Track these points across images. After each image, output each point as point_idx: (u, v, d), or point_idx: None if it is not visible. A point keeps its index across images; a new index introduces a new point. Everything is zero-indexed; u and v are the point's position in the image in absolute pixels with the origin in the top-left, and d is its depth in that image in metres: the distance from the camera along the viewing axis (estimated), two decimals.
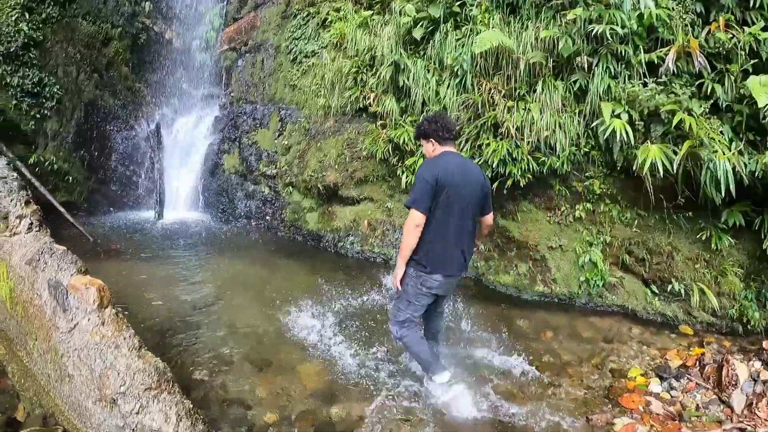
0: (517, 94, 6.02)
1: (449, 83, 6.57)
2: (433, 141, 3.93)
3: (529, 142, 5.80)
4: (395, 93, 7.19)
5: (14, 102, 7.95)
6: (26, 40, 7.99)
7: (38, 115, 8.29)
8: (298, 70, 8.55)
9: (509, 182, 5.88)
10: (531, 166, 5.76)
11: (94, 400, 3.28)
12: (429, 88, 6.78)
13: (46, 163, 8.37)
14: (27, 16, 7.99)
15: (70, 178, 8.77)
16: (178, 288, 6.10)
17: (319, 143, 8.07)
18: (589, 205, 5.73)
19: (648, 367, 4.40)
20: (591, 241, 5.66)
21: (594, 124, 5.49)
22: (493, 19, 6.21)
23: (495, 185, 5.99)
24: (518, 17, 6.18)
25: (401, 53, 6.96)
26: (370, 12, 7.56)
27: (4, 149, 7.71)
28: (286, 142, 8.55)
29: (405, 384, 4.09)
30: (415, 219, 3.60)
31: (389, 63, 7.01)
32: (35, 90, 8.18)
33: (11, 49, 7.84)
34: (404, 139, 6.84)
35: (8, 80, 7.84)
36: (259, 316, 5.26)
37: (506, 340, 4.88)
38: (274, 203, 8.73)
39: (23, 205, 5.59)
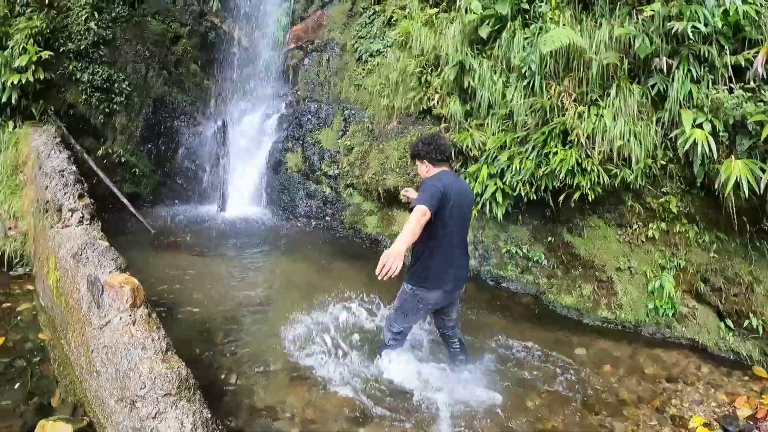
0: (588, 98, 5.87)
1: (516, 85, 6.51)
2: (427, 162, 4.18)
3: (600, 151, 5.64)
4: (460, 95, 7.22)
5: (84, 97, 8.64)
6: (96, 39, 8.67)
7: (107, 110, 8.97)
8: (363, 70, 8.73)
9: (577, 195, 5.74)
10: (602, 178, 5.59)
11: (116, 399, 3.53)
12: (495, 90, 6.74)
13: (114, 156, 9.07)
14: (97, 16, 8.66)
15: (137, 171, 9.44)
16: (230, 284, 6.45)
17: (382, 145, 8.22)
18: (663, 225, 5.50)
19: (713, 416, 4.19)
20: (663, 264, 5.43)
21: (673, 134, 5.25)
22: (563, 16, 6.08)
23: (561, 197, 5.90)
24: (591, 14, 6.01)
25: (467, 53, 6.97)
26: (436, 10, 7.60)
27: (72, 141, 8.41)
28: (348, 143, 8.77)
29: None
30: (421, 209, 3.67)
31: (454, 63, 7.03)
32: (105, 86, 8.86)
33: (81, 47, 8.53)
34: (468, 144, 6.85)
35: (79, 76, 8.54)
36: (306, 322, 5.41)
37: (559, 370, 4.81)
38: (335, 204, 8.97)
39: (76, 198, 6.14)
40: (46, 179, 6.50)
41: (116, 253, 4.98)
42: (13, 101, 7.69)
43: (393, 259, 3.37)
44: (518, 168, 6.24)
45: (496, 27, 6.74)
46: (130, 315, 4.12)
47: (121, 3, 9.04)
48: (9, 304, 5.90)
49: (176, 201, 10.06)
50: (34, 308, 5.74)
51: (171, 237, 8.21)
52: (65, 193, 6.15)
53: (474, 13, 6.78)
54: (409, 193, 4.77)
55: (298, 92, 9.88)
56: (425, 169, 4.22)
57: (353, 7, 9.09)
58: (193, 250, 7.68)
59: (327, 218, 9.04)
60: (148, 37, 9.55)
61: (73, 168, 6.79)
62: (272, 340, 5.08)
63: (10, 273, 6.58)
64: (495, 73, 6.77)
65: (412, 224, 3.63)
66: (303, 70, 9.77)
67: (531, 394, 4.40)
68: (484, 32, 6.78)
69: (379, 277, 3.38)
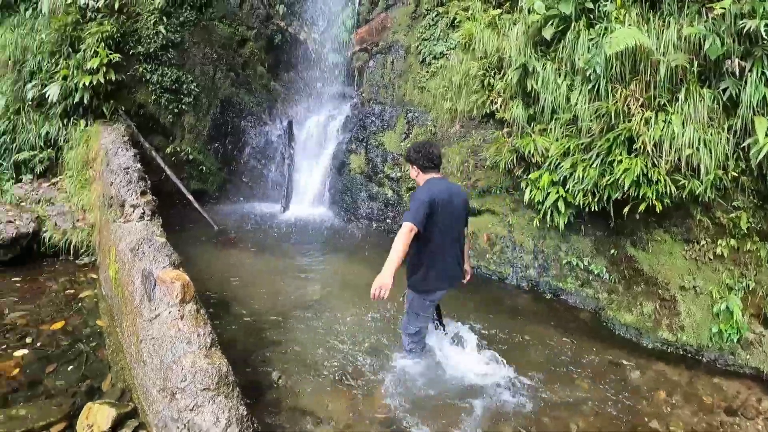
0: (656, 103, 5.75)
1: (581, 89, 6.45)
2: (417, 168, 4.63)
3: (667, 160, 5.53)
4: (523, 98, 7.22)
5: (154, 97, 9.39)
6: (165, 42, 9.38)
7: (176, 110, 9.70)
8: (426, 72, 8.88)
9: (642, 207, 5.65)
10: (669, 189, 5.47)
11: (158, 389, 3.86)
12: (559, 93, 6.70)
13: (182, 154, 9.81)
14: (165, 20, 9.36)
15: (204, 169, 10.15)
16: (286, 283, 6.82)
17: (444, 148, 8.33)
18: (733, 242, 5.32)
19: None
20: (731, 285, 5.24)
21: (745, 143, 5.07)
22: (629, 16, 5.97)
23: (626, 209, 5.81)
24: (658, 13, 5.87)
25: (530, 55, 6.97)
26: (499, 11, 7.63)
27: (141, 139, 9.15)
28: None
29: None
30: (407, 227, 4.14)
31: (517, 66, 7.05)
32: (173, 87, 9.59)
33: (151, 50, 9.27)
34: (530, 150, 6.85)
35: (148, 77, 9.29)
36: (357, 325, 5.67)
37: (610, 393, 4.77)
38: (396, 207, 9.19)
39: (138, 195, 6.69)
40: (111, 176, 7.12)
41: (171, 249, 5.40)
42: (85, 101, 8.45)
43: (381, 289, 3.90)
44: (581, 176, 6.20)
45: (560, 28, 6.69)
46: (178, 310, 4.47)
47: (189, 8, 9.70)
48: (73, 291, 6.56)
49: (241, 199, 10.70)
50: (96, 296, 6.34)
51: (233, 234, 8.79)
52: (128, 190, 6.72)
53: (537, 13, 6.77)
54: None
55: (363, 94, 10.15)
56: (415, 174, 4.68)
57: (417, 9, 9.25)
58: (254, 248, 8.17)
59: (388, 221, 9.27)
60: (215, 40, 10.18)
61: (138, 166, 7.40)
62: (323, 342, 5.33)
63: (77, 261, 7.34)
64: (559, 76, 6.72)
65: (398, 245, 4.09)
66: (368, 72, 10.03)
67: (575, 417, 4.42)
68: (547, 33, 6.76)
69: (373, 299, 3.90)
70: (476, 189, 7.81)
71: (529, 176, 6.96)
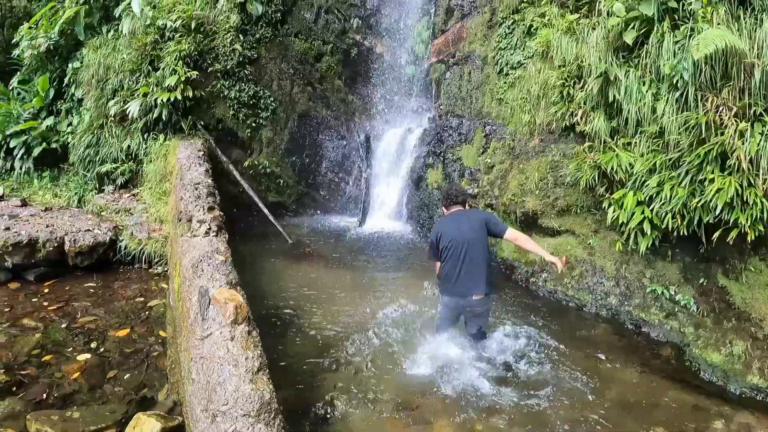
0: (751, 112, 5.25)
1: (667, 98, 6.04)
2: (443, 207, 5.68)
3: (765, 179, 5.03)
4: (605, 109, 6.87)
5: (232, 112, 9.85)
6: (241, 59, 9.83)
7: (254, 124, 10.14)
8: (504, 83, 8.66)
9: (734, 233, 5.17)
10: (766, 213, 4.98)
11: (201, 408, 3.89)
12: (644, 104, 6.31)
13: (260, 167, 10.23)
14: (241, 38, 9.82)
15: (281, 182, 10.55)
16: (356, 301, 6.82)
17: (522, 164, 8.10)
18: None
19: None
20: None
21: None
22: (717, 14, 5.51)
23: (717, 233, 5.36)
24: (749, 9, 5.36)
25: (611, 62, 6.62)
26: (576, 15, 7.30)
27: (219, 153, 9.58)
28: (489, 160, 8.76)
29: None
30: (435, 266, 5.66)
31: (598, 74, 6.71)
32: (251, 102, 10.02)
33: (228, 67, 9.74)
34: (613, 166, 6.48)
35: (226, 93, 9.77)
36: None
37: None
38: None
39: (206, 210, 6.93)
40: (182, 190, 7.46)
41: (229, 268, 5.54)
42: (164, 117, 9.02)
43: None
44: (669, 196, 5.79)
45: (643, 31, 6.30)
46: (229, 331, 4.56)
47: (264, 25, 10.12)
48: (143, 299, 6.97)
49: (318, 212, 11.01)
50: (164, 305, 6.63)
51: (307, 247, 9.00)
52: (196, 205, 7.00)
53: (617, 16, 6.41)
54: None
55: (441, 106, 10.06)
56: (446, 212, 5.65)
57: (492, 17, 9.06)
58: (327, 262, 8.30)
59: None
60: (292, 55, 10.52)
61: (209, 181, 7.70)
62: (387, 368, 5.24)
63: (150, 270, 7.82)
64: (643, 84, 6.33)
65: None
66: (445, 84, 9.95)
67: None
68: (628, 37, 6.38)
69: None
70: (555, 208, 7.49)
71: (612, 195, 6.58)
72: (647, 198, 6.15)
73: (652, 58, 6.22)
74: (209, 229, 6.69)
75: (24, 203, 8.74)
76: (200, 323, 4.78)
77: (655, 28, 6.13)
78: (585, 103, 7.09)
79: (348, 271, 7.98)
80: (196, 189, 7.42)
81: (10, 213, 8.23)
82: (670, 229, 5.84)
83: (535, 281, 7.55)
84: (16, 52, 10.61)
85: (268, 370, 4.10)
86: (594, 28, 6.90)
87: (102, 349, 5.64)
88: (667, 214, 5.82)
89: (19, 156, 9.90)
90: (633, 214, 6.25)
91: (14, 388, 4.88)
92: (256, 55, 10.04)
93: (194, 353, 4.50)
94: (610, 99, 6.67)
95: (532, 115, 8.00)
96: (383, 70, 11.09)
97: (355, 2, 10.93)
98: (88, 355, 5.49)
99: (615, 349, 5.88)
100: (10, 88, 10.74)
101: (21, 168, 9.88)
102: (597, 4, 6.96)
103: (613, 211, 6.55)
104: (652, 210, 6.06)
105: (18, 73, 10.82)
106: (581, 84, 7.14)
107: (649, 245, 6.13)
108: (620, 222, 6.43)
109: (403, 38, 10.71)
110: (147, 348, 5.72)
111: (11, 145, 9.90)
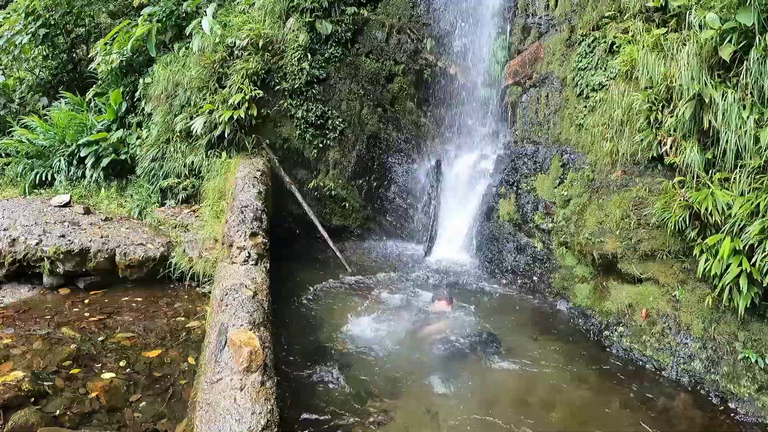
0: None
1: None
2: None
3: None
4: (699, 138, 5.93)
5: (298, 132, 9.54)
6: (309, 78, 9.50)
7: (321, 145, 9.77)
8: (584, 107, 7.77)
9: None
10: None
11: None
12: (744, 131, 5.32)
13: (325, 189, 9.84)
14: (310, 57, 9.49)
15: (347, 205, 10.09)
16: (411, 345, 6.25)
17: (602, 199, 7.18)
18: None
19: None
20: None
21: None
22: None
23: None
24: None
25: (705, 82, 5.65)
26: (664, 29, 6.35)
27: (282, 173, 9.28)
28: (565, 193, 7.88)
29: None
30: None
31: (690, 96, 5.77)
32: (318, 122, 9.67)
33: (296, 86, 9.43)
34: (708, 206, 5.51)
35: (293, 112, 9.46)
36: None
37: None
38: (545, 263, 8.22)
39: (247, 237, 6.54)
40: (230, 212, 7.18)
41: (256, 305, 5.09)
42: (227, 134, 8.82)
43: None
44: None
45: (741, 45, 5.30)
46: (240, 379, 4.15)
47: (334, 44, 9.77)
48: (184, 319, 6.69)
49: (384, 238, 10.44)
50: (202, 329, 6.23)
51: (367, 275, 8.48)
52: (238, 230, 6.63)
53: (710, 28, 5.45)
54: None
55: (516, 132, 9.26)
56: None
57: (571, 35, 8.22)
58: (386, 296, 7.71)
59: (534, 278, 8.30)
60: (362, 76, 10.09)
61: (258, 204, 7.33)
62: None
63: (197, 289, 7.50)
64: (743, 107, 5.34)
65: None
66: (521, 108, 9.14)
67: None
68: (725, 53, 5.39)
69: None
70: (637, 252, 6.49)
71: (706, 240, 5.60)
72: (747, 247, 5.19)
73: (753, 77, 5.27)
74: (248, 257, 6.28)
75: (87, 211, 8.74)
76: (213, 365, 4.38)
77: (756, 41, 5.16)
78: (675, 130, 6.14)
79: (405, 308, 7.28)
80: (242, 213, 7.06)
81: (72, 219, 8.22)
82: None
83: (608, 335, 6.57)
84: (92, 66, 10.84)
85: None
86: (684, 44, 5.93)
87: (129, 370, 5.40)
88: None
89: (89, 165, 10.05)
90: (729, 265, 5.31)
91: (34, 399, 4.73)
92: (324, 75, 9.69)
93: (202, 397, 4.12)
94: (705, 126, 5.72)
95: (614, 144, 7.08)
96: (457, 93, 10.40)
97: (429, 22, 10.37)
98: (113, 375, 5.27)
99: (695, 425, 4.89)
100: (87, 100, 11.01)
101: (91, 177, 9.99)
102: (687, 15, 6.00)
103: (706, 261, 5.59)
104: (752, 262, 5.07)
105: (95, 86, 11.08)
106: (671, 108, 6.19)
107: (747, 305, 5.08)
108: (713, 274, 5.45)
109: (477, 59, 10.03)
110: (176, 374, 5.40)
111: (82, 155, 10.08)
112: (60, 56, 12.43)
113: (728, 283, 5.29)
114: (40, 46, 12.09)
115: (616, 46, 7.25)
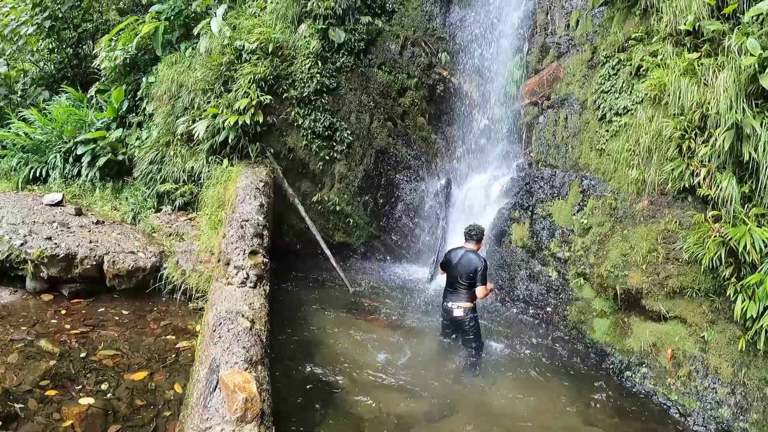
0: None
1: None
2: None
3: None
4: (735, 170, 5.62)
5: (305, 142, 9.14)
6: (319, 87, 9.13)
7: (327, 157, 9.37)
8: (606, 131, 7.48)
9: None
10: None
11: None
12: None
13: (329, 203, 9.45)
14: (320, 65, 9.14)
15: (351, 221, 9.69)
16: (419, 378, 5.93)
17: (626, 230, 6.86)
18: None
19: None
20: None
21: None
22: None
23: None
24: None
25: (744, 110, 5.38)
26: (696, 54, 6.07)
27: (286, 184, 8.92)
28: (585, 221, 7.56)
29: None
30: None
31: (727, 126, 5.47)
32: (326, 133, 9.29)
33: (304, 94, 9.06)
34: (746, 244, 5.19)
35: (300, 122, 9.07)
36: None
37: None
38: (560, 293, 7.91)
39: (246, 255, 6.06)
40: (228, 225, 6.74)
41: (253, 339, 4.64)
42: (230, 141, 8.47)
43: None
44: None
45: None
46: (233, 430, 3.72)
47: (347, 53, 9.45)
48: (174, 338, 6.18)
49: (388, 258, 10.11)
50: (192, 351, 5.73)
51: (369, 300, 8.09)
52: (236, 247, 6.19)
53: (751, 54, 5.17)
54: None
55: (531, 154, 8.97)
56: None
57: (594, 56, 7.99)
58: (390, 321, 7.39)
59: (548, 309, 8.00)
60: (373, 88, 9.79)
61: (259, 219, 6.92)
62: None
63: (189, 305, 6.95)
64: None
65: None
66: (537, 129, 8.86)
67: None
68: (766, 81, 5.12)
69: None
70: (665, 288, 6.17)
71: (742, 280, 5.29)
72: None
73: None
74: (246, 278, 5.84)
75: (79, 212, 8.28)
76: (201, 409, 3.90)
77: None
78: (709, 161, 5.81)
79: (409, 338, 6.89)
80: (242, 227, 6.62)
81: (62, 220, 7.74)
82: None
83: (630, 375, 6.25)
84: (96, 62, 10.52)
85: None
86: (721, 69, 5.65)
87: (110, 395, 4.88)
88: None
89: (86, 164, 9.69)
90: (766, 308, 4.98)
91: (2, 422, 4.27)
92: (335, 84, 9.34)
93: None
94: (743, 157, 5.45)
95: (641, 172, 6.76)
96: (470, 110, 10.15)
97: (444, 36, 10.15)
98: (92, 400, 4.75)
99: None
100: (88, 96, 10.68)
101: (87, 176, 9.62)
102: (724, 40, 5.72)
103: (742, 301, 5.26)
104: None
105: (97, 82, 10.79)
106: (705, 137, 5.89)
107: None
108: (750, 316, 5.14)
109: (493, 77, 9.80)
110: (160, 404, 4.87)
111: (79, 152, 9.70)
112: (66, 50, 12.21)
113: (765, 327, 4.96)
114: (46, 39, 11.89)
115: (643, 70, 6.96)
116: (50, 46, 12.18)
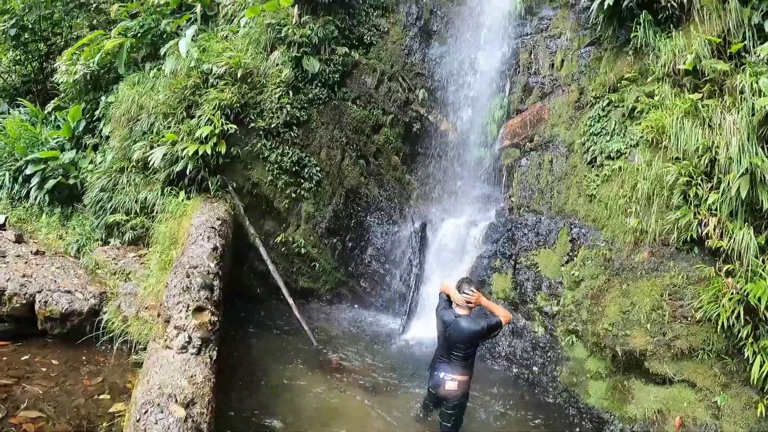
0: None
1: None
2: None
3: None
4: (750, 219, 5.30)
5: (270, 177, 8.48)
6: (289, 118, 8.57)
7: (294, 195, 8.73)
8: (597, 176, 7.15)
9: None
10: None
11: None
12: None
13: (294, 245, 8.75)
14: (291, 95, 8.59)
15: (317, 266, 8.99)
16: None
17: (626, 284, 6.42)
18: None
19: None
20: None
21: None
22: None
23: None
24: None
25: (758, 154, 5.10)
26: (698, 95, 5.79)
27: (247, 222, 8.23)
28: (576, 273, 7.09)
29: None
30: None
31: (740, 171, 5.12)
32: (294, 169, 8.66)
33: (272, 125, 8.47)
34: (765, 302, 4.80)
35: (266, 155, 8.44)
36: None
37: None
38: (547, 352, 7.34)
39: (190, 312, 5.15)
40: (173, 273, 5.79)
41: None
42: (188, 171, 7.79)
43: None
44: None
45: None
46: None
47: (320, 84, 8.97)
48: (107, 398, 5.37)
49: (356, 306, 9.44)
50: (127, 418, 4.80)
51: (335, 356, 7.33)
52: (178, 302, 5.24)
53: (765, 95, 4.84)
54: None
55: (512, 198, 8.52)
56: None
57: (581, 97, 7.79)
58: (356, 381, 6.65)
59: (534, 368, 7.41)
60: (346, 123, 9.28)
61: (210, 265, 6.04)
62: None
63: (130, 358, 6.09)
64: None
65: None
66: (519, 172, 8.48)
67: None
68: None
69: None
70: (672, 349, 5.70)
71: (760, 342, 4.88)
72: None
73: None
74: (188, 342, 4.75)
75: (20, 239, 7.57)
76: None
77: None
78: (720, 209, 5.41)
79: (378, 398, 6.24)
80: (188, 276, 5.56)
81: None
82: None
83: None
84: (56, 76, 9.90)
85: None
86: (729, 111, 5.31)
87: None
88: None
89: (35, 185, 9.00)
90: None
91: None
92: (306, 117, 8.77)
93: None
94: (759, 204, 5.19)
95: (639, 220, 6.34)
96: (447, 150, 9.72)
97: (423, 72, 9.72)
98: None
99: None
100: (47, 112, 10.08)
101: (35, 198, 8.95)
102: (727, 80, 5.41)
103: (761, 364, 4.83)
104: None
105: (56, 98, 10.19)
106: (714, 183, 5.52)
107: None
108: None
109: (472, 116, 9.46)
110: None
111: (28, 172, 9.00)
112: (32, 63, 11.75)
113: None
114: (15, 51, 11.50)
115: (638, 111, 6.71)
116: (17, 58, 11.72)
